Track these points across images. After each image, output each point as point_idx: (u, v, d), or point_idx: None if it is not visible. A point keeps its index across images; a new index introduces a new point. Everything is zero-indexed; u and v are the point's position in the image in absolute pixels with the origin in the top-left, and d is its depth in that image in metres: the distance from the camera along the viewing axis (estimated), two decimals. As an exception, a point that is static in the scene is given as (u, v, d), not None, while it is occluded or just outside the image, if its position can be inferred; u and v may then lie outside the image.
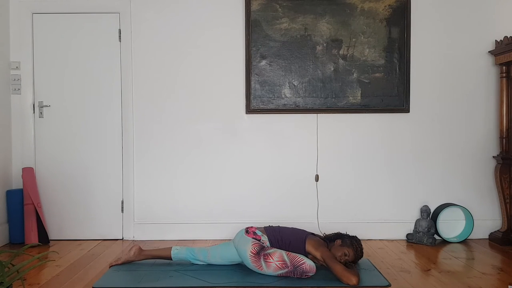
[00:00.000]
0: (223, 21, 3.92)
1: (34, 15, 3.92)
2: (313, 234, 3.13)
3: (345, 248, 2.96)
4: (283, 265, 2.84)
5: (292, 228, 3.18)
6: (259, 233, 3.02)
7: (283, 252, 2.90)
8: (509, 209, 3.74)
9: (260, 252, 2.90)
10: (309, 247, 2.98)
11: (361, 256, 3.03)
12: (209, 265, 3.12)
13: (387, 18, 3.88)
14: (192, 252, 3.13)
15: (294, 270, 2.83)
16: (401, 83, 3.89)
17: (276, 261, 2.85)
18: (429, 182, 3.95)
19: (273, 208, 3.93)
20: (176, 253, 3.14)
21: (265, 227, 3.13)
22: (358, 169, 3.95)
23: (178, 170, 3.95)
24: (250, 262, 2.91)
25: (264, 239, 3.00)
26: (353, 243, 3.00)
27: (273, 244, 3.01)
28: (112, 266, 3.13)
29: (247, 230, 3.04)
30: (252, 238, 2.97)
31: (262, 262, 2.88)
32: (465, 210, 3.85)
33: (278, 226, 3.18)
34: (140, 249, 3.19)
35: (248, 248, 2.92)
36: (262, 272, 2.89)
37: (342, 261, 2.92)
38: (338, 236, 3.10)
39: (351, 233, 3.11)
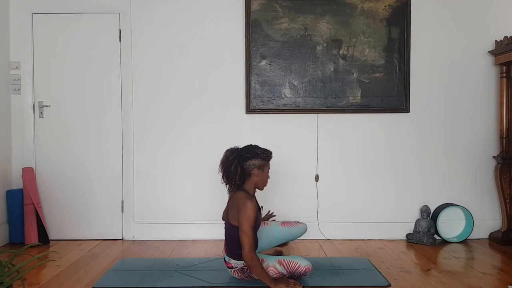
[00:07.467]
0: (223, 21, 3.92)
1: (34, 15, 3.92)
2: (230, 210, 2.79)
3: (256, 171, 2.78)
4: (280, 276, 2.73)
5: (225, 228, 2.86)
6: (226, 258, 2.81)
7: (275, 262, 2.74)
8: (509, 209, 3.74)
9: (247, 272, 2.76)
10: (242, 238, 2.62)
11: (269, 153, 2.83)
12: (209, 265, 3.10)
13: (387, 18, 3.88)
14: None
15: (291, 276, 2.74)
16: (401, 83, 3.89)
17: (272, 274, 2.71)
18: (429, 182, 3.95)
19: (273, 208, 3.92)
20: None
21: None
22: (358, 169, 3.95)
23: (178, 170, 3.95)
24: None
25: (235, 263, 2.77)
26: (256, 154, 2.77)
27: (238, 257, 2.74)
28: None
29: (224, 257, 2.85)
30: (228, 268, 2.82)
31: (257, 278, 2.75)
32: (465, 210, 3.85)
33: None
34: None
35: (233, 275, 2.82)
36: None
37: (270, 177, 2.83)
38: (241, 173, 2.76)
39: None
